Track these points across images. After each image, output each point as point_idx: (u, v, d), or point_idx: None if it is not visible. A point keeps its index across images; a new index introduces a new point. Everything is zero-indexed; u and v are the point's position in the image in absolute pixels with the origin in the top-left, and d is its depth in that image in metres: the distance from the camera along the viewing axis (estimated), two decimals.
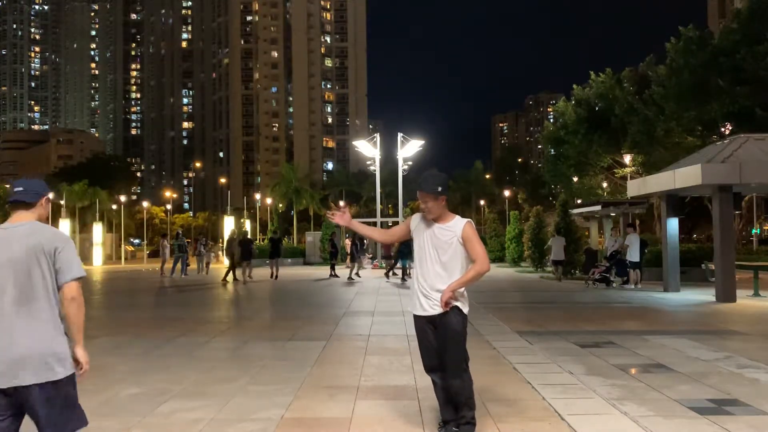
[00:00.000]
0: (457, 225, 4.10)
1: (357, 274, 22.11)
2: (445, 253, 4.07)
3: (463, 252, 4.08)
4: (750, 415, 4.81)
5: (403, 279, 21.00)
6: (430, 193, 4.08)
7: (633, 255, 17.22)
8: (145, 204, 79.24)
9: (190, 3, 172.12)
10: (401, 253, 21.74)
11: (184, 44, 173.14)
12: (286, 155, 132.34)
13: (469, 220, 4.18)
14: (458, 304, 4.05)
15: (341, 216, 4.36)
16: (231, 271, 21.76)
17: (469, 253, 4.08)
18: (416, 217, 4.30)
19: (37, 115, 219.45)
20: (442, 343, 4.05)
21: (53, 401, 2.80)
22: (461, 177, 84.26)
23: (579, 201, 32.96)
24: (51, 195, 3.25)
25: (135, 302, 15.51)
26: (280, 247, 24.35)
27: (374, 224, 39.70)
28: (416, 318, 4.19)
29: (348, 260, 34.35)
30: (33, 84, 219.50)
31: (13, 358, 2.76)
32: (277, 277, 22.60)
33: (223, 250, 34.71)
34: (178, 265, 25.49)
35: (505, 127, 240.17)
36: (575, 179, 37.45)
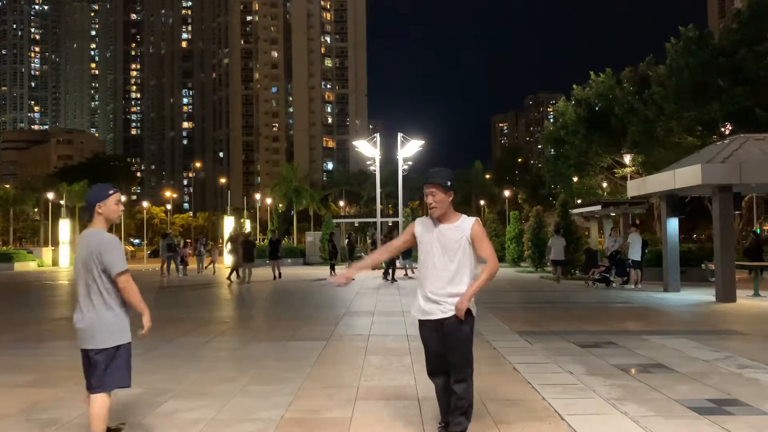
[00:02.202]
0: (465, 224, 3.98)
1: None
2: (455, 254, 3.95)
3: (472, 251, 3.98)
4: (750, 415, 4.81)
5: (392, 279, 20.75)
6: (441, 185, 3.95)
7: (635, 254, 17.23)
8: (145, 204, 79.21)
9: (190, 3, 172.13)
10: (402, 253, 21.69)
11: (184, 44, 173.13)
12: (286, 155, 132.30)
13: (477, 218, 4.05)
14: (472, 309, 3.98)
15: (346, 279, 4.22)
16: (234, 271, 21.77)
17: (478, 253, 3.98)
18: (419, 222, 4.16)
19: (37, 115, 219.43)
20: (449, 345, 3.96)
21: (102, 363, 3.85)
22: (461, 177, 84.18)
23: (579, 201, 32.95)
24: (110, 192, 3.99)
25: None
26: (280, 248, 24.31)
27: (374, 225, 39.70)
28: (422, 323, 4.07)
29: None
30: (33, 84, 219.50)
31: (81, 329, 3.90)
32: (278, 277, 22.64)
33: (223, 250, 34.69)
34: (173, 264, 25.37)
35: (505, 127, 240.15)
36: (575, 179, 37.42)
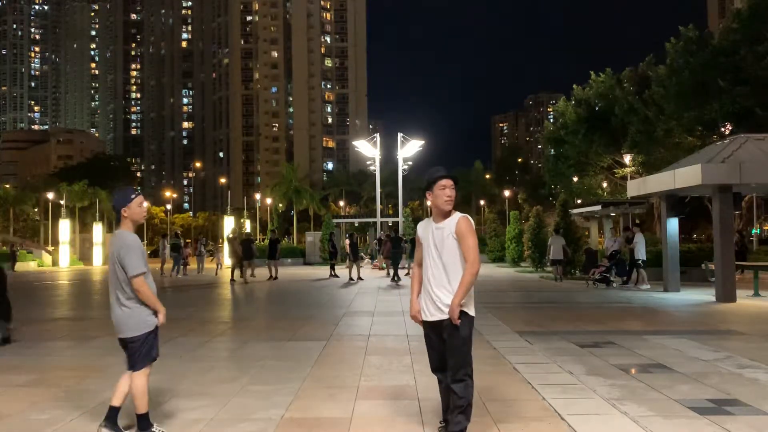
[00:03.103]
0: (452, 220, 3.98)
1: (359, 276, 21.93)
2: (442, 253, 3.97)
3: (459, 249, 3.97)
4: (750, 415, 4.81)
5: (393, 278, 20.84)
6: (456, 180, 4.05)
7: (642, 253, 17.18)
8: (145, 204, 79.09)
9: (190, 3, 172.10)
10: (394, 255, 21.67)
11: (184, 44, 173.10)
12: (286, 155, 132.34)
13: (466, 215, 4.04)
14: (464, 308, 3.96)
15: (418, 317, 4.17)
16: (234, 270, 21.93)
17: (462, 251, 3.95)
18: (420, 225, 4.23)
19: (37, 115, 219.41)
20: (447, 346, 3.97)
21: (128, 349, 4.31)
22: (461, 177, 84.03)
23: (579, 201, 32.95)
24: (133, 196, 4.36)
25: None
26: (278, 248, 24.31)
27: (374, 224, 39.72)
28: (423, 322, 4.12)
29: (347, 261, 34.42)
30: (33, 84, 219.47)
31: (114, 322, 4.33)
32: (276, 277, 22.61)
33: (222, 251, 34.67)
34: (178, 264, 25.73)
35: (505, 127, 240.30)
36: (575, 179, 37.42)
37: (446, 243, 3.97)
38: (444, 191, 3.99)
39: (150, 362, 4.37)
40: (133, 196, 4.35)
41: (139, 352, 4.29)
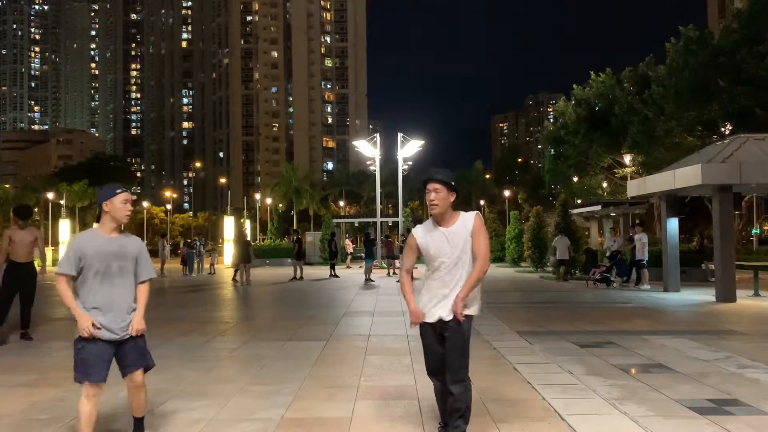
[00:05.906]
0: (467, 222, 3.92)
1: (368, 278, 21.30)
2: (461, 255, 3.89)
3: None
4: (750, 415, 4.81)
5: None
6: (446, 183, 3.87)
7: (645, 253, 17.11)
8: (145, 204, 79.19)
9: (190, 3, 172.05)
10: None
11: (184, 44, 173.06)
12: (286, 155, 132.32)
13: (477, 212, 3.98)
14: (470, 311, 3.92)
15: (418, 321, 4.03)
16: (236, 271, 22.02)
17: (473, 247, 3.89)
18: (418, 231, 4.05)
19: (37, 115, 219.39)
20: (448, 345, 3.92)
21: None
22: (461, 177, 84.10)
23: (579, 201, 32.94)
24: (117, 191, 3.99)
25: None
26: (302, 248, 24.01)
27: (374, 224, 39.76)
28: (424, 325, 4.02)
29: (348, 260, 34.37)
30: (33, 84, 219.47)
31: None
32: (298, 278, 22.17)
33: (221, 251, 34.79)
34: (196, 264, 27.39)
35: (505, 127, 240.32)
36: (575, 179, 37.42)
37: (468, 245, 3.91)
38: (428, 195, 3.91)
39: (82, 381, 3.78)
40: (118, 191, 3.98)
41: (73, 359, 3.84)
